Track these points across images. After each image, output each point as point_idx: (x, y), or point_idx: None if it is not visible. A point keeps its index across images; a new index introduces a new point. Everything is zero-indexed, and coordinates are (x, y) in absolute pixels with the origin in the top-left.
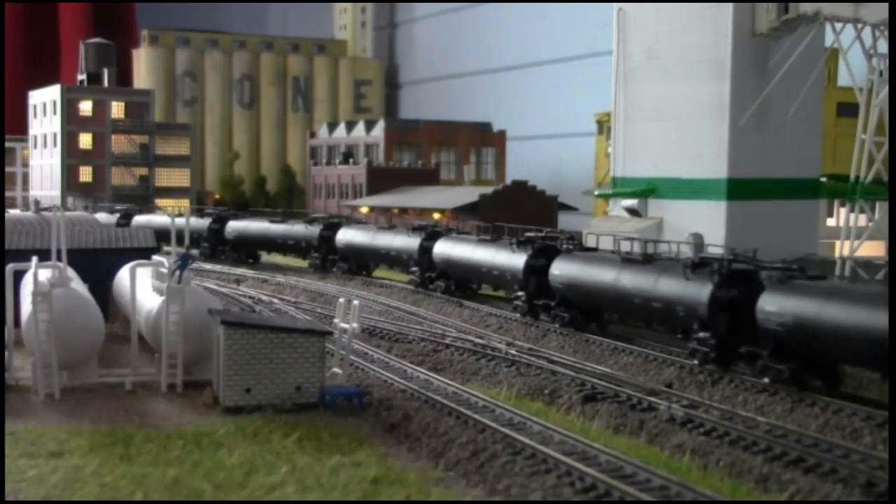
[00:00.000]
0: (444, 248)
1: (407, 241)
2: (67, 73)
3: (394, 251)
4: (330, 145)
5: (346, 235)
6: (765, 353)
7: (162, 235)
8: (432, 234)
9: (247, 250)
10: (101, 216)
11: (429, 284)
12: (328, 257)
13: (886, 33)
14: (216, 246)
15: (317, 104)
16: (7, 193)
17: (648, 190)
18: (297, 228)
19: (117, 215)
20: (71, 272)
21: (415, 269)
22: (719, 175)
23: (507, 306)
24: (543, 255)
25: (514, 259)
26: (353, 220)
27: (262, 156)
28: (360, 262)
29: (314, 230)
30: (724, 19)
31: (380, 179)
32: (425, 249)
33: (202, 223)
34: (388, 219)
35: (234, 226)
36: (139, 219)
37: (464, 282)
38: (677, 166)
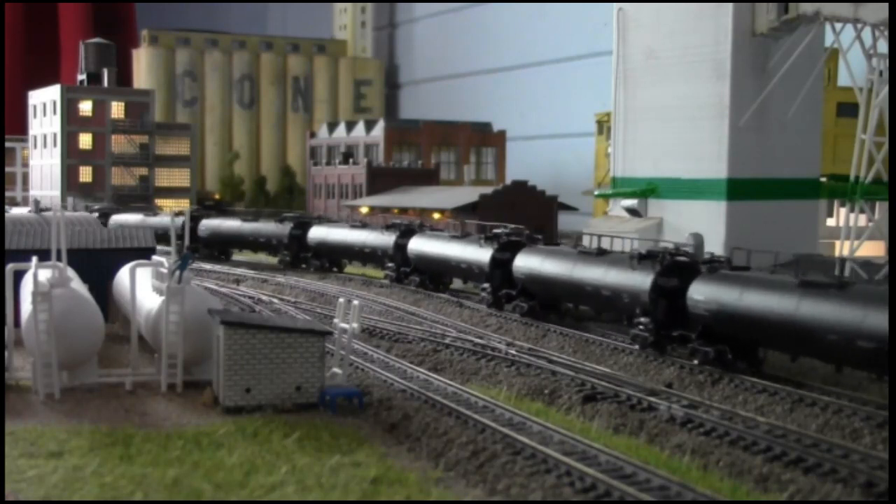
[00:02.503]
0: (417, 245)
1: (382, 238)
2: (67, 73)
3: (368, 248)
4: (330, 145)
5: (317, 233)
6: (694, 336)
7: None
8: (406, 232)
9: (219, 247)
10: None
11: (404, 279)
12: (299, 255)
13: (886, 33)
14: (190, 243)
15: (317, 104)
16: (7, 193)
17: (648, 190)
18: (268, 227)
19: (95, 214)
20: (71, 272)
21: (390, 264)
22: (719, 175)
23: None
24: (508, 249)
25: (481, 253)
26: (326, 219)
27: (262, 156)
28: (333, 260)
29: (285, 228)
30: (724, 19)
31: (380, 179)
32: (400, 246)
33: (175, 221)
34: (386, 219)
35: (208, 224)
36: (116, 218)
37: (437, 276)
38: (677, 166)
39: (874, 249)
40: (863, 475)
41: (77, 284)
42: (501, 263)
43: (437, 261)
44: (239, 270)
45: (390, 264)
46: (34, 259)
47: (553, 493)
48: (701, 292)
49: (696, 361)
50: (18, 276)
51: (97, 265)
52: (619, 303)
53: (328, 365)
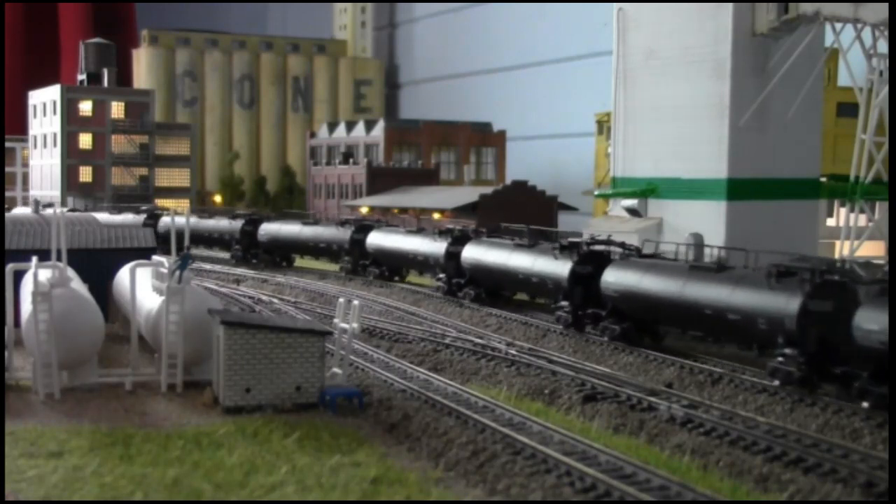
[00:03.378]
0: (375, 239)
1: (338, 234)
2: (67, 73)
3: (323, 242)
4: (330, 145)
5: (268, 229)
6: (604, 314)
7: None
8: (362, 228)
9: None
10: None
11: (361, 271)
12: (250, 250)
13: (886, 33)
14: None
15: (317, 104)
16: (7, 193)
17: (648, 190)
18: (222, 223)
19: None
20: (71, 272)
21: (347, 258)
22: (719, 175)
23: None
24: (459, 242)
25: (434, 246)
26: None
27: (262, 156)
28: (284, 254)
29: (237, 225)
30: (724, 19)
31: (380, 179)
32: (356, 241)
33: (139, 220)
34: (386, 218)
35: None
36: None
37: (393, 267)
38: (677, 166)
39: (874, 249)
40: (863, 475)
41: (77, 284)
42: (454, 255)
43: (395, 253)
44: (239, 270)
45: (347, 258)
46: (34, 259)
47: (553, 493)
48: (611, 277)
49: (606, 337)
50: (18, 276)
51: (97, 265)
52: (545, 288)
53: (328, 365)
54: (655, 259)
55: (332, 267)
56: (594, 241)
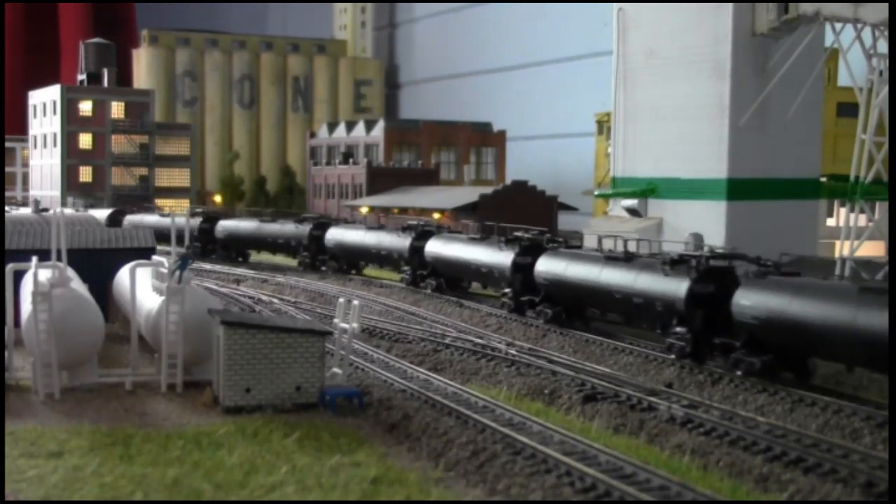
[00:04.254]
0: (335, 235)
1: (297, 230)
2: (67, 73)
3: (282, 238)
4: (330, 145)
5: (226, 226)
6: (537, 300)
7: None
8: (320, 225)
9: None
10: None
11: (320, 266)
12: (207, 246)
13: (886, 33)
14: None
15: (317, 104)
16: (7, 193)
17: (648, 190)
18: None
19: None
20: (71, 272)
21: (305, 253)
22: (719, 175)
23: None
24: (423, 237)
25: (398, 241)
26: (237, 215)
27: (262, 156)
28: (240, 250)
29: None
30: (724, 19)
31: (380, 179)
32: (315, 237)
33: (102, 215)
34: (387, 219)
35: (131, 219)
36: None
37: (353, 262)
38: (677, 166)
39: (874, 249)
40: (863, 475)
41: (77, 284)
42: (418, 249)
43: (355, 249)
44: (239, 270)
45: (305, 253)
46: (34, 259)
47: (553, 493)
48: (543, 266)
49: (541, 320)
50: (18, 276)
51: (97, 265)
52: (491, 278)
53: (328, 365)
54: (578, 250)
55: (292, 261)
56: (543, 236)
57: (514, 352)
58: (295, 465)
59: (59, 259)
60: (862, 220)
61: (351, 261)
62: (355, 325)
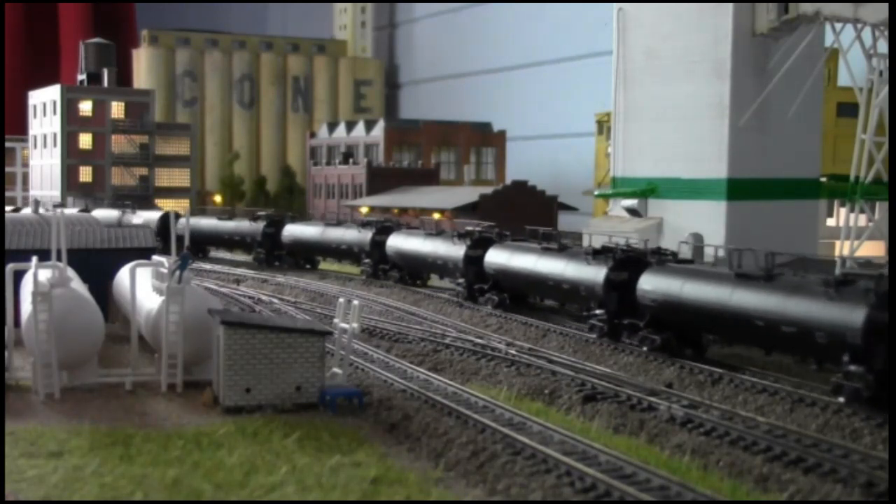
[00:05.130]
0: (292, 231)
1: (359, 235)
2: (67, 73)
3: (238, 235)
4: (330, 145)
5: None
6: (486, 287)
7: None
8: (274, 222)
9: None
10: None
11: (274, 262)
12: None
13: (886, 33)
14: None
15: (317, 104)
16: (7, 193)
17: (648, 190)
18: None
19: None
20: (71, 272)
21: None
22: (719, 175)
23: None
24: (384, 232)
25: (359, 236)
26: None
27: (262, 156)
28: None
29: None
30: (724, 19)
31: (380, 179)
32: (268, 234)
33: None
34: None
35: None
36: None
37: (310, 256)
38: (677, 166)
39: (874, 249)
40: (863, 475)
41: (77, 284)
42: (379, 244)
43: (310, 244)
44: (239, 270)
45: (260, 249)
46: (34, 259)
47: (553, 493)
48: (492, 257)
49: (489, 306)
50: (18, 276)
51: (97, 265)
52: (446, 269)
53: (328, 365)
54: (521, 243)
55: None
56: (482, 231)
57: (514, 352)
58: (295, 465)
59: (59, 259)
60: (862, 220)
61: (306, 256)
62: (355, 325)
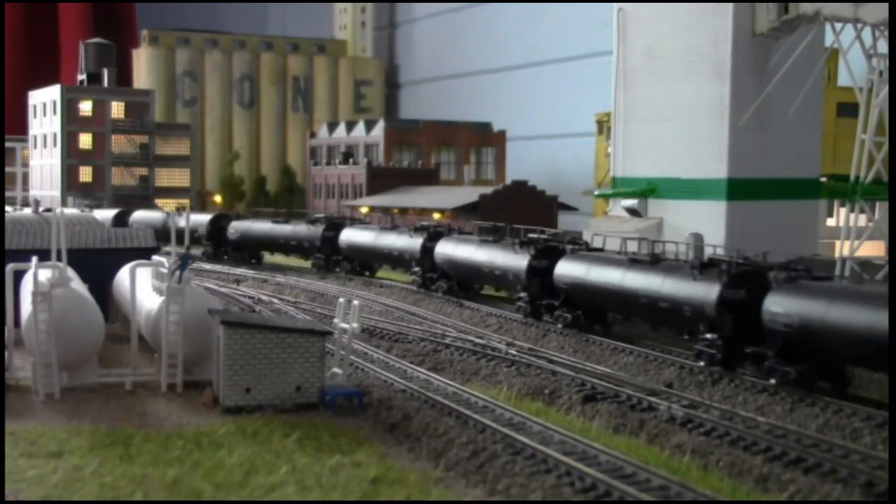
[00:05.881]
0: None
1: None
2: (67, 73)
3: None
4: (330, 145)
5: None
6: (436, 276)
7: None
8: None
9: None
10: None
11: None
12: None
13: (886, 33)
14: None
15: (317, 104)
16: (7, 193)
17: (648, 190)
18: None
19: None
20: (71, 272)
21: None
22: (719, 175)
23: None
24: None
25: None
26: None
27: (262, 156)
28: (255, 252)
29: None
30: (724, 19)
31: (380, 179)
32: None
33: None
34: (391, 219)
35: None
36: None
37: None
38: (677, 166)
39: (874, 249)
40: (863, 475)
41: (77, 284)
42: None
43: (260, 238)
44: (239, 270)
45: (208, 242)
46: (34, 259)
47: (553, 493)
48: (440, 249)
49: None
50: (18, 276)
51: (97, 265)
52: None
53: (328, 365)
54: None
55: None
56: (438, 227)
57: (514, 352)
58: (295, 465)
59: (59, 259)
60: (862, 220)
61: (253, 251)
62: (355, 325)
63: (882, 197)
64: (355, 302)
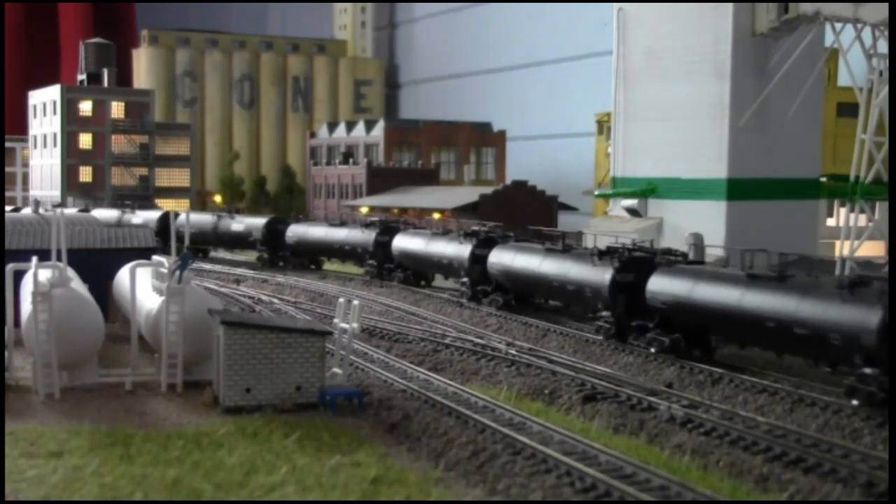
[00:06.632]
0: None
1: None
2: (67, 73)
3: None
4: (330, 145)
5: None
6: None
7: None
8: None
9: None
10: None
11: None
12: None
13: (886, 33)
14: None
15: (317, 104)
16: (7, 193)
17: (648, 190)
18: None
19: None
20: (71, 272)
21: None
22: (719, 175)
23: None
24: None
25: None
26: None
27: (262, 156)
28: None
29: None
30: (724, 19)
31: (380, 179)
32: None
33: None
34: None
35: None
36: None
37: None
38: (677, 166)
39: (874, 249)
40: (863, 475)
41: (77, 284)
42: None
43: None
44: (239, 270)
45: (157, 237)
46: (34, 259)
47: (553, 493)
48: (398, 242)
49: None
50: (18, 276)
51: (97, 265)
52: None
53: (328, 365)
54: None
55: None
56: (387, 223)
57: (514, 352)
58: (295, 465)
59: (59, 259)
60: (862, 220)
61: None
62: (355, 325)
63: (882, 197)
64: (355, 302)
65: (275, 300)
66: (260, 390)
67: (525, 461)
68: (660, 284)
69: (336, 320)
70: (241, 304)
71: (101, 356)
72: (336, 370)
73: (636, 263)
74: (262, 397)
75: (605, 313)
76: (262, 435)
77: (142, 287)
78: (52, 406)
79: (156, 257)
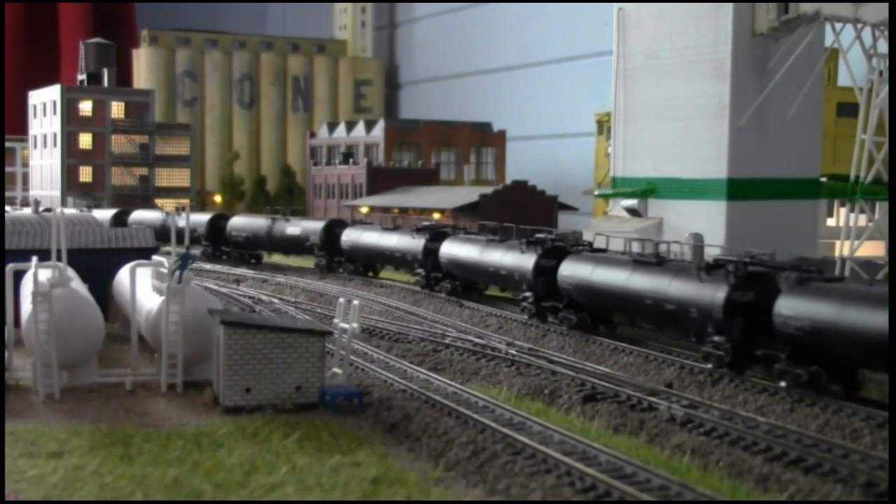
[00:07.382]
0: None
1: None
2: (67, 73)
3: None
4: (330, 145)
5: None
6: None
7: None
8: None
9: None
10: None
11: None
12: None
13: (886, 33)
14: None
15: (317, 104)
16: (7, 193)
17: (648, 190)
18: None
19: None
20: (71, 272)
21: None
22: (719, 175)
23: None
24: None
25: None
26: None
27: (262, 156)
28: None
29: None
30: (724, 19)
31: (380, 179)
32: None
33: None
34: (392, 219)
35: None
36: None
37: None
38: (677, 166)
39: (874, 249)
40: (863, 475)
41: (77, 284)
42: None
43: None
44: (239, 270)
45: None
46: (34, 259)
47: (553, 493)
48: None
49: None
50: (18, 276)
51: (97, 265)
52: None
53: (328, 365)
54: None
55: None
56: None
57: (514, 352)
58: (295, 465)
59: (59, 259)
60: (862, 220)
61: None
62: (355, 325)
63: (882, 197)
64: (355, 302)
65: (275, 300)
66: (260, 390)
67: (525, 461)
68: (569, 269)
69: (336, 320)
70: (241, 304)
71: (101, 356)
72: (336, 370)
73: (556, 252)
74: (262, 397)
75: (527, 293)
76: (262, 435)
77: (142, 287)
78: (52, 406)
79: (156, 257)
